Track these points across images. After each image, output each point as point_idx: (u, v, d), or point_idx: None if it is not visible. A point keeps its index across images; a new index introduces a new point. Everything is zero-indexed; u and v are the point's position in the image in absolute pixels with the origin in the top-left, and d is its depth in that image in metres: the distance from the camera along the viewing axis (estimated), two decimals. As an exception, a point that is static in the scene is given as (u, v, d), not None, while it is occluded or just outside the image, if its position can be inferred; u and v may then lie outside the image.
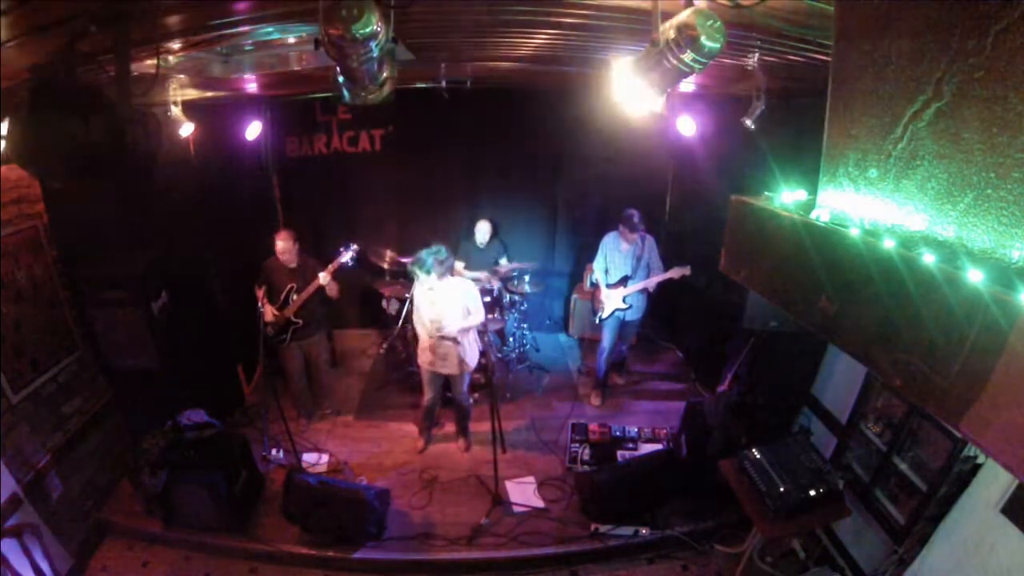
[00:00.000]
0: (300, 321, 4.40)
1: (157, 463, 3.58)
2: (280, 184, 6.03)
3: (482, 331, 4.89)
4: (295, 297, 4.31)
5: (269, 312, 4.26)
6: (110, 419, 4.06)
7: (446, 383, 4.36)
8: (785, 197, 1.84)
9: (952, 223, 1.22)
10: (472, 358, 4.15)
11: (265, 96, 4.83)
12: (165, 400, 3.95)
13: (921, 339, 1.15)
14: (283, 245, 4.22)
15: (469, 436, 4.63)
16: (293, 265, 4.31)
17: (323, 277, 4.21)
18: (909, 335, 1.18)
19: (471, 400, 4.56)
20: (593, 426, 4.64)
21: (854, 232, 1.40)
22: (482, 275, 5.44)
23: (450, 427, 4.76)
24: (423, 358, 4.17)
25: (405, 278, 5.37)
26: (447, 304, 3.91)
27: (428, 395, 4.36)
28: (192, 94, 3.87)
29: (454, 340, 3.93)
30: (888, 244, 1.27)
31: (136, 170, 2.34)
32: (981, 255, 1.15)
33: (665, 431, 4.65)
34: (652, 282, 4.71)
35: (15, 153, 1.95)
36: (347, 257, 4.32)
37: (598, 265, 4.92)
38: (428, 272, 3.71)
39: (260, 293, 4.21)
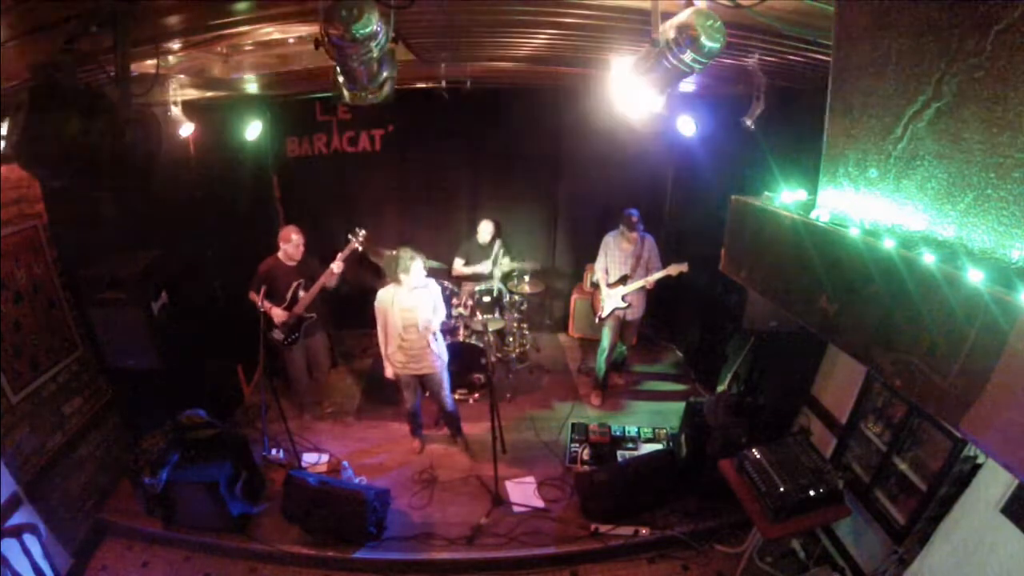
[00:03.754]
0: (313, 315, 4.40)
1: (157, 463, 3.58)
2: (280, 184, 6.03)
3: (482, 331, 4.92)
4: (303, 293, 4.29)
5: (279, 314, 4.22)
6: (110, 419, 4.06)
7: (423, 385, 4.34)
8: (785, 197, 1.84)
9: (952, 223, 1.22)
10: (442, 351, 4.15)
11: (265, 96, 4.83)
12: (165, 400, 3.95)
13: (921, 339, 1.15)
14: (297, 238, 4.20)
15: (465, 436, 4.63)
16: (295, 263, 4.28)
17: (336, 266, 4.18)
18: (909, 335, 1.18)
19: (453, 402, 4.49)
20: (593, 426, 4.64)
21: (854, 232, 1.40)
22: (483, 268, 5.44)
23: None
24: (397, 364, 4.09)
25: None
26: (417, 303, 3.91)
27: (408, 399, 4.35)
28: (192, 94, 3.87)
29: (424, 337, 3.94)
30: (888, 244, 1.27)
31: (136, 170, 2.34)
32: (981, 255, 1.15)
33: (665, 431, 4.65)
34: (650, 280, 4.71)
35: (15, 153, 1.95)
36: (357, 243, 4.23)
37: (598, 265, 4.93)
38: (408, 272, 3.77)
39: (259, 298, 4.13)
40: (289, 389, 4.81)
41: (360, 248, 4.26)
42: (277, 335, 4.31)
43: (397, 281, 3.84)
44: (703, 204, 5.18)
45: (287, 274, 4.28)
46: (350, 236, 4.23)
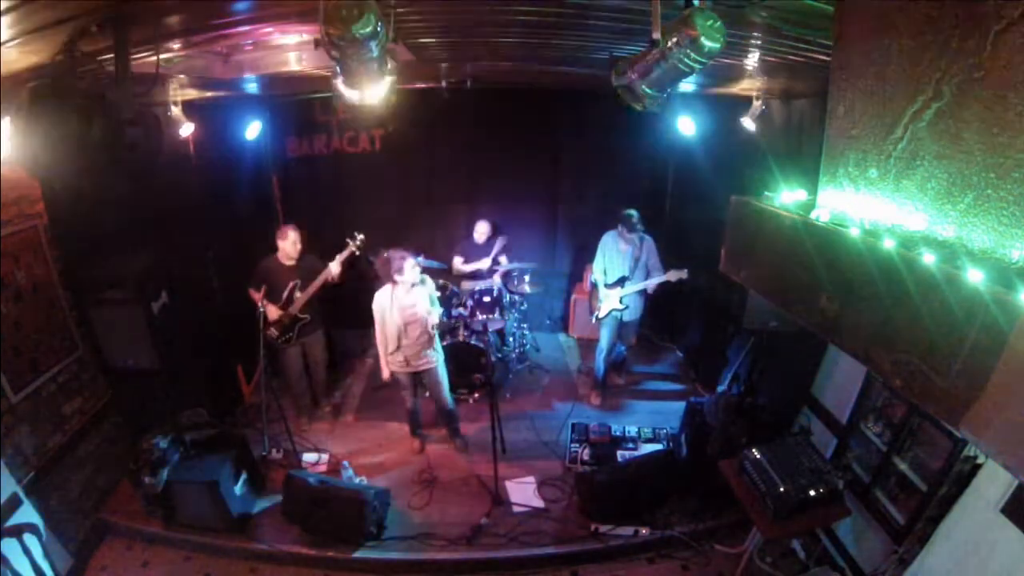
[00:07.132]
0: (307, 316, 4.42)
1: (157, 463, 3.57)
2: (280, 184, 6.03)
3: (482, 331, 4.92)
4: (299, 294, 4.31)
5: (274, 311, 4.24)
6: (110, 419, 4.06)
7: (422, 384, 4.33)
8: (785, 197, 1.84)
9: (952, 223, 1.22)
10: (438, 345, 4.18)
11: (265, 96, 4.83)
12: (165, 400, 3.94)
13: (921, 339, 1.15)
14: (294, 235, 4.22)
15: (463, 437, 4.62)
16: (293, 262, 4.30)
17: (334, 267, 4.23)
18: (909, 335, 1.18)
19: (452, 401, 4.48)
20: (593, 426, 4.64)
21: (854, 232, 1.40)
22: (483, 264, 5.44)
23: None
24: (396, 365, 4.10)
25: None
26: (416, 300, 3.93)
27: (409, 399, 4.35)
28: (192, 94, 3.87)
29: (425, 333, 3.97)
30: (888, 244, 1.27)
31: (136, 170, 2.34)
32: (981, 255, 1.15)
33: (665, 431, 4.65)
34: (649, 284, 4.70)
35: (15, 153, 1.95)
36: (355, 247, 4.31)
37: (596, 264, 4.92)
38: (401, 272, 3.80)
39: (259, 296, 4.18)
40: (287, 389, 4.80)
41: (357, 252, 4.34)
42: (272, 333, 4.33)
43: (393, 281, 3.86)
44: (703, 204, 5.18)
45: (284, 273, 4.30)
46: (348, 240, 4.32)
